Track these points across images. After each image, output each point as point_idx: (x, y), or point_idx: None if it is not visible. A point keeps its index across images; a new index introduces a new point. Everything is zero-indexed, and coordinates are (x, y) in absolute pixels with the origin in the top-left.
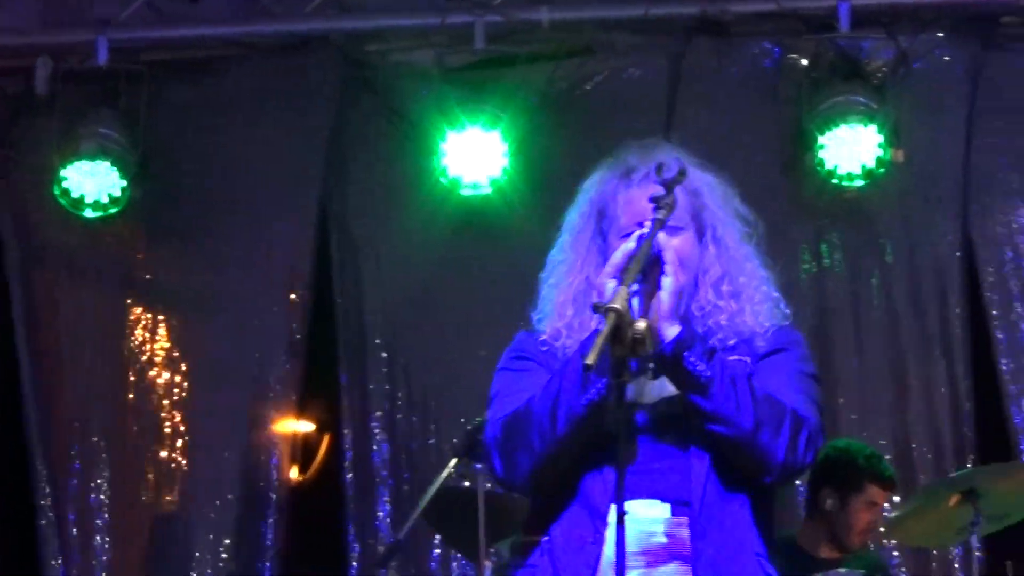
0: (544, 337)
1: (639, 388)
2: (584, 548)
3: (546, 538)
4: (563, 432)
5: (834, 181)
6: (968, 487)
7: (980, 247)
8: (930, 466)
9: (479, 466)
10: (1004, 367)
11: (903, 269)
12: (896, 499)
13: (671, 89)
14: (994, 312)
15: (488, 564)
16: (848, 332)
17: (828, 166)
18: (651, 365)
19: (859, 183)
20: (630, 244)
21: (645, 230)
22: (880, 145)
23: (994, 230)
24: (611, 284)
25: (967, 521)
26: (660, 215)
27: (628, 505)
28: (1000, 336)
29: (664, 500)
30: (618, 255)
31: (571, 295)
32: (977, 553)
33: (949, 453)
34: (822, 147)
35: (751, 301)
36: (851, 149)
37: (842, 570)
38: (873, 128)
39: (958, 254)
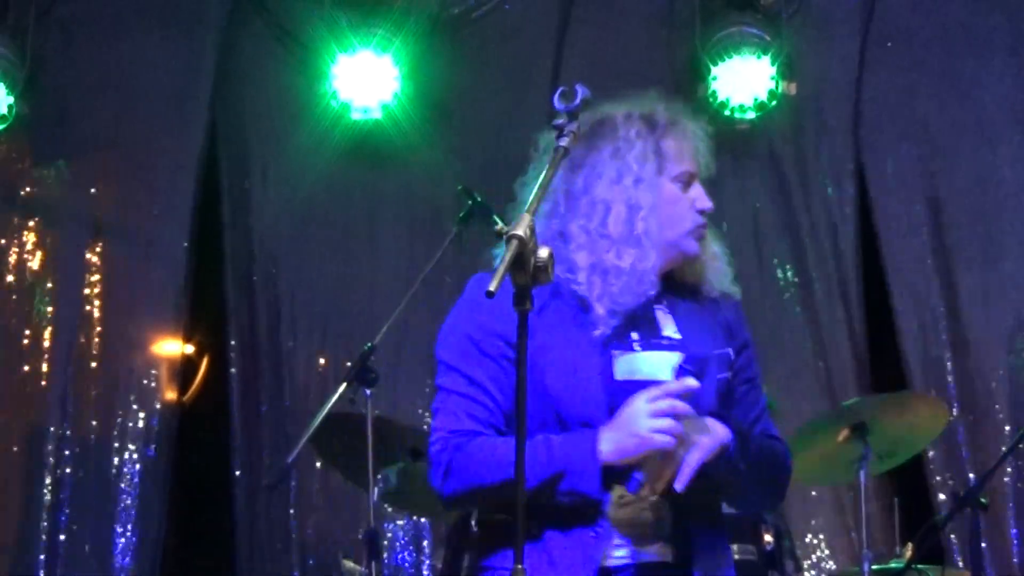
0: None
1: (629, 362)
2: (585, 542)
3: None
4: (543, 497)
5: (726, 113)
6: (858, 420)
7: (871, 178)
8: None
9: (368, 392)
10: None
11: (797, 200)
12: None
13: (563, 16)
14: (884, 239)
15: (376, 489)
16: (750, 257)
17: (721, 98)
18: (636, 337)
19: (751, 115)
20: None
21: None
22: (773, 77)
23: (884, 161)
24: None
25: (857, 456)
26: (565, 143)
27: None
28: (888, 269)
29: None
30: None
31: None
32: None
33: (846, 385)
34: (715, 78)
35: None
36: (744, 81)
37: None
38: (767, 60)
39: (850, 187)
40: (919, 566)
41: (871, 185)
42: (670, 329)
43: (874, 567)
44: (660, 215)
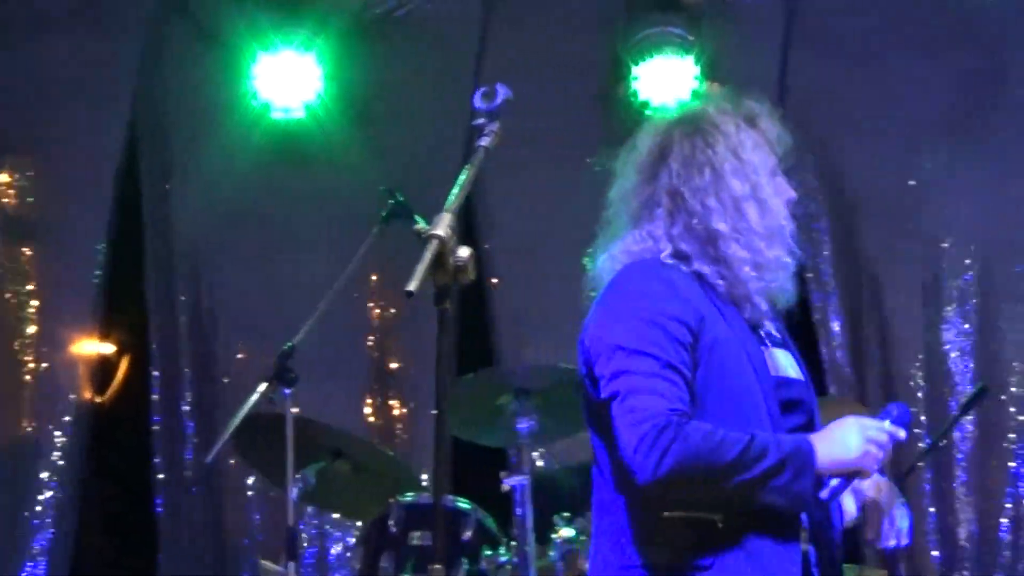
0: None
1: (773, 359)
2: (788, 544)
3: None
4: (755, 489)
5: (648, 112)
6: None
7: (793, 177)
8: None
9: (287, 391)
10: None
11: None
12: None
13: (485, 16)
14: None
15: (295, 489)
16: None
17: (642, 97)
18: (763, 334)
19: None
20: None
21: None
22: (696, 77)
23: (807, 159)
24: None
25: None
26: (486, 143)
27: None
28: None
29: None
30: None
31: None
32: None
33: None
34: (636, 78)
35: None
36: (666, 81)
37: None
38: (690, 60)
39: None
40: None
41: (793, 184)
42: (769, 325)
43: None
44: (780, 207)
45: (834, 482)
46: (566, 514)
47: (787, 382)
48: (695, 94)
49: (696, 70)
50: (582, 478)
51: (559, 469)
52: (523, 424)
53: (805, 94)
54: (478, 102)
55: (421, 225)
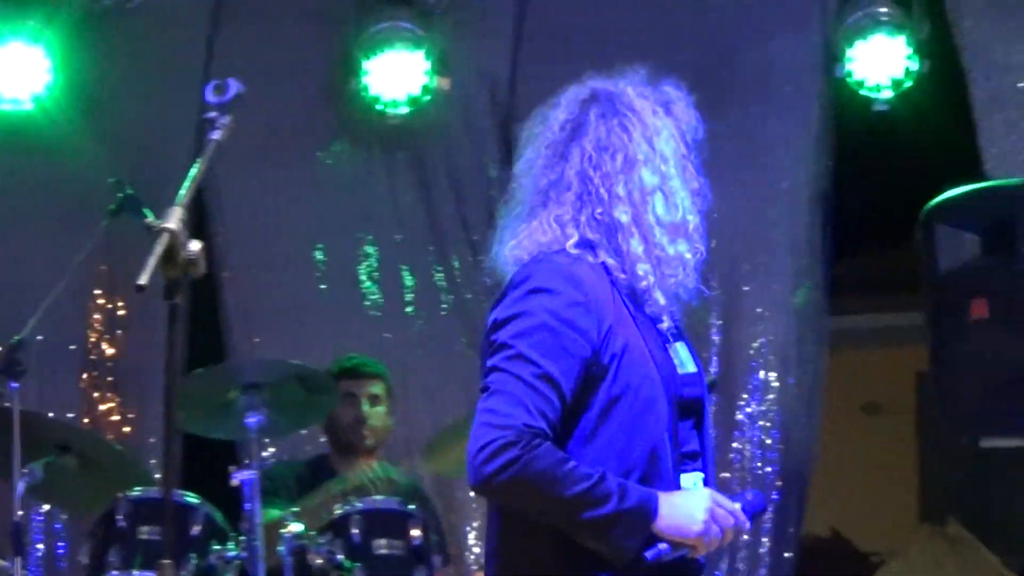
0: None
1: (676, 354)
2: None
3: None
4: (579, 530)
5: (378, 107)
6: None
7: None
8: None
9: (15, 385)
10: None
11: (447, 196)
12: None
13: (216, 8)
14: None
15: (21, 483)
16: (390, 252)
17: (373, 92)
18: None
19: (404, 110)
20: None
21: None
22: (427, 72)
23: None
24: None
25: None
26: (217, 136)
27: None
28: None
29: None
30: None
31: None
32: None
33: None
34: (366, 73)
35: None
36: (397, 76)
37: (379, 497)
38: (420, 55)
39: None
40: None
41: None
42: (667, 318)
43: None
44: (687, 200)
45: (663, 546)
46: (295, 509)
47: (690, 380)
48: (426, 89)
49: (427, 65)
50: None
51: (278, 464)
52: (252, 419)
53: (534, 91)
54: (209, 96)
55: (151, 219)
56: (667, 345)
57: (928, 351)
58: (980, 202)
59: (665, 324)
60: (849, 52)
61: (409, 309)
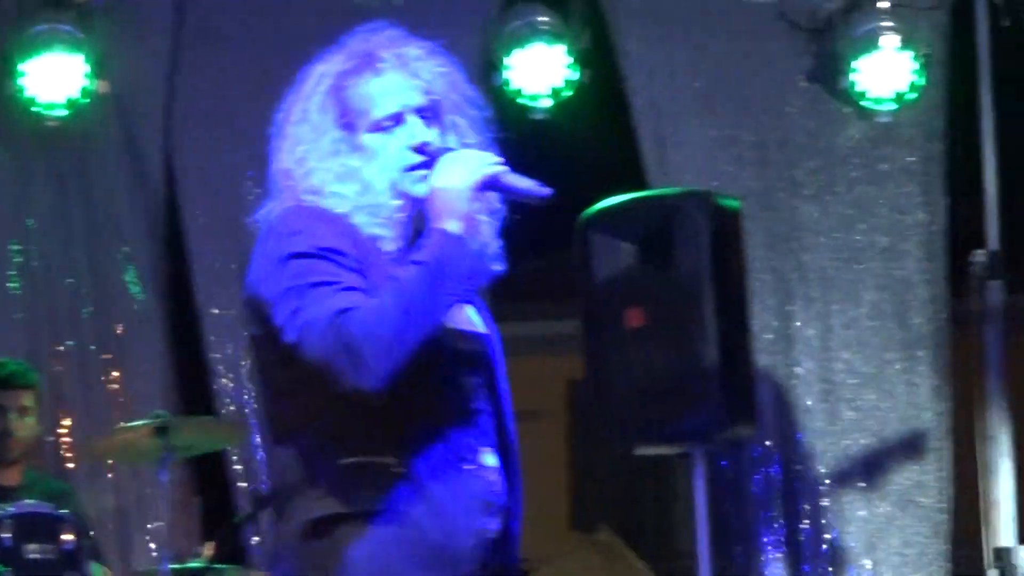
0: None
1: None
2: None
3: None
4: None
5: (34, 110)
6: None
7: (181, 180)
8: None
9: None
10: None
11: (104, 202)
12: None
13: None
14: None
15: None
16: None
17: (28, 94)
18: None
19: (63, 112)
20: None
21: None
22: (87, 75)
23: (202, 164)
24: None
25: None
26: None
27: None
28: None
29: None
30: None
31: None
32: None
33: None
34: (23, 74)
35: None
36: (56, 78)
37: (29, 501)
38: (80, 58)
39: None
40: (218, 565)
41: (180, 190)
42: None
43: (173, 566)
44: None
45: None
46: None
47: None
48: (85, 92)
49: (87, 68)
50: None
51: None
52: None
53: (193, 96)
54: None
55: None
56: None
57: (583, 359)
58: (636, 211)
59: None
60: (507, 60)
61: None
